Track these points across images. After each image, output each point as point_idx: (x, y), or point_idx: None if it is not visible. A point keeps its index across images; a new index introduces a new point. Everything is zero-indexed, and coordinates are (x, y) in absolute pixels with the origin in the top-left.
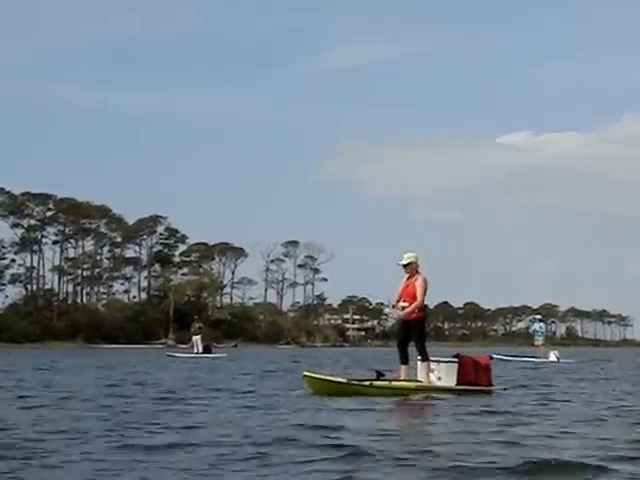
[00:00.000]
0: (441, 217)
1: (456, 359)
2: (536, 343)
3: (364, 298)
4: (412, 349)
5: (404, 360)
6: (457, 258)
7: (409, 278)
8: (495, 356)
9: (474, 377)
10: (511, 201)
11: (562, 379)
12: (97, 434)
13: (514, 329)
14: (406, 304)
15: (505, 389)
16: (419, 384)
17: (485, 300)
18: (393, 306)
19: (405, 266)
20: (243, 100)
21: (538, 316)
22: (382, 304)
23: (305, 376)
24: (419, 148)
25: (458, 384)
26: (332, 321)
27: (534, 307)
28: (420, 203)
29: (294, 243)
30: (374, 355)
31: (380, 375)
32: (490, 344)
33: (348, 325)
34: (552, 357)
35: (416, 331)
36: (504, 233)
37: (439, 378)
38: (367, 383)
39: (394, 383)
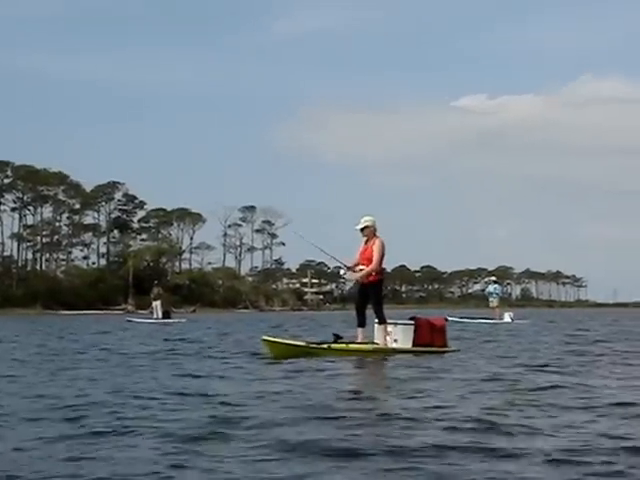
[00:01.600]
0: (398, 182)
1: (412, 321)
2: (491, 305)
3: (322, 262)
4: (370, 312)
5: (361, 323)
6: (414, 223)
7: (367, 242)
8: (450, 318)
9: (430, 338)
10: (467, 166)
11: (507, 341)
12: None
13: (470, 291)
14: (364, 267)
15: (458, 350)
16: (376, 346)
17: (442, 263)
18: (348, 268)
19: (362, 230)
20: (198, 65)
21: (493, 278)
22: (340, 267)
23: (264, 340)
24: (375, 113)
25: (414, 345)
26: (290, 285)
27: (490, 269)
28: (377, 169)
29: (251, 208)
30: (332, 318)
31: (338, 338)
32: (447, 306)
33: (306, 289)
34: (507, 318)
35: (373, 294)
36: (461, 198)
37: (395, 340)
38: (325, 346)
39: (351, 345)
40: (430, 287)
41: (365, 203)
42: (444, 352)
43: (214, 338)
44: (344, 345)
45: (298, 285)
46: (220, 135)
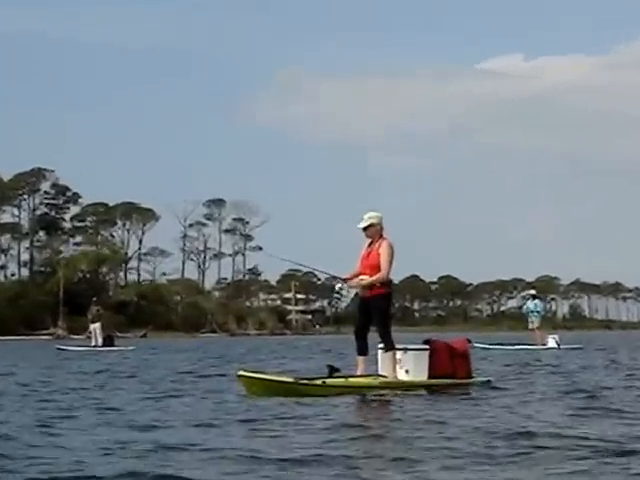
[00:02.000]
0: (404, 167)
1: (427, 346)
2: (531, 326)
3: (310, 272)
4: (374, 335)
5: (363, 350)
6: (428, 219)
7: (371, 244)
8: (477, 345)
9: (450, 367)
10: (495, 145)
11: (550, 376)
12: None
13: (503, 309)
14: (366, 277)
15: (487, 381)
16: (383, 380)
17: (465, 273)
18: (344, 280)
19: (365, 229)
20: (149, 25)
21: (532, 291)
22: (334, 278)
23: (241, 376)
24: (374, 80)
25: (430, 377)
26: (269, 302)
27: (528, 280)
28: (377, 150)
29: (219, 202)
30: (324, 344)
31: (334, 370)
32: (472, 328)
33: (290, 307)
34: (551, 343)
35: (378, 312)
36: (487, 186)
37: (407, 371)
38: (319, 382)
39: (351, 380)
40: (451, 304)
41: (364, 194)
42: (469, 384)
43: (165, 371)
44: (342, 380)
45: (279, 302)
46: (179, 110)
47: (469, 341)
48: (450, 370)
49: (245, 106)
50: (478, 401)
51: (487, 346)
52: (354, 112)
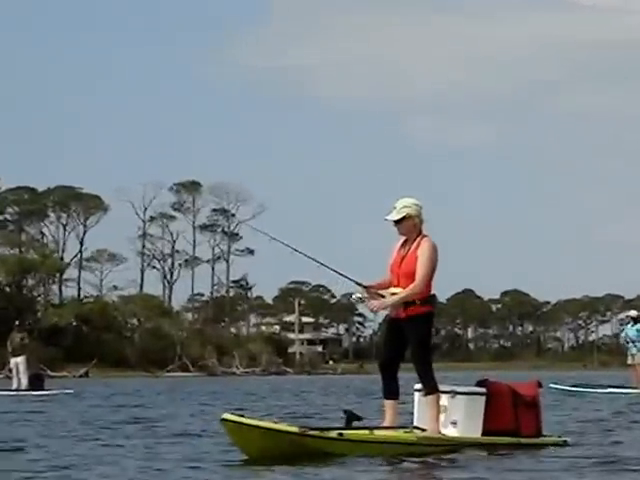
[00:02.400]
0: (460, 138)
1: (482, 389)
2: (630, 361)
3: (320, 285)
4: (407, 373)
5: (392, 392)
6: (489, 213)
7: (405, 244)
8: (552, 386)
9: (513, 420)
10: (584, 107)
11: None
12: None
13: (592, 338)
14: (399, 290)
15: (565, 441)
16: (421, 434)
17: (539, 287)
18: (367, 288)
19: (399, 223)
20: None
21: (634, 312)
22: (354, 293)
23: (225, 420)
24: (409, 15)
25: (485, 433)
26: (264, 327)
27: (627, 297)
28: (414, 113)
29: (192, 186)
30: (341, 386)
31: (353, 419)
32: (549, 365)
33: (292, 335)
34: None
35: (415, 340)
36: (571, 166)
37: (454, 423)
38: (334, 434)
39: (377, 433)
40: (519, 330)
41: (398, 174)
42: (536, 445)
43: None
44: (366, 432)
45: (277, 327)
46: (138, 54)
47: (540, 385)
48: (513, 424)
49: (227, 53)
50: (547, 471)
51: (567, 388)
52: (386, 61)
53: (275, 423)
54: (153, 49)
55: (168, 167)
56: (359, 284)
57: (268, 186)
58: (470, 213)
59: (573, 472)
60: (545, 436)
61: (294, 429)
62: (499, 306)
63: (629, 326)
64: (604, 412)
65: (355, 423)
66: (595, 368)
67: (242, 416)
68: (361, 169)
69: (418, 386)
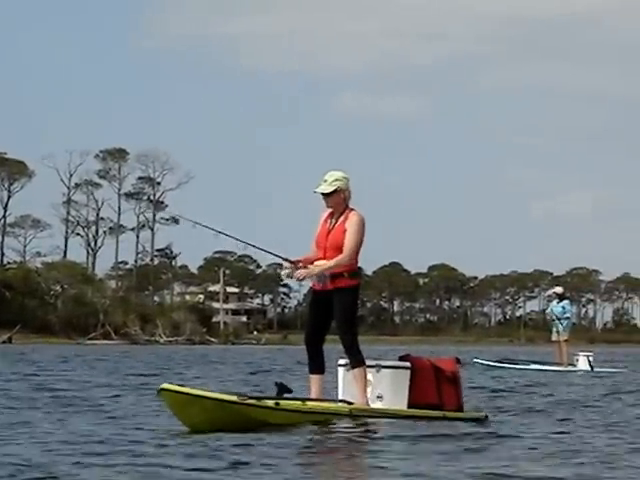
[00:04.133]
0: (389, 109)
1: (406, 363)
2: (554, 337)
3: (246, 255)
4: (333, 346)
5: (317, 365)
6: (416, 184)
7: (333, 217)
8: (477, 361)
9: (436, 394)
10: (517, 77)
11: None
12: None
13: (519, 313)
14: (324, 262)
15: (485, 417)
16: (352, 406)
17: (467, 262)
18: (293, 263)
19: (329, 196)
20: None
21: (559, 289)
22: (282, 261)
23: (164, 390)
24: None
25: (410, 406)
26: (188, 297)
27: (556, 274)
28: (350, 84)
29: (119, 154)
30: (265, 357)
31: (284, 390)
32: (476, 340)
33: (217, 304)
34: (581, 363)
35: (341, 312)
36: (501, 136)
37: (379, 397)
38: (270, 403)
39: (310, 404)
40: (446, 305)
41: (325, 149)
42: (458, 419)
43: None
44: (299, 403)
45: (202, 297)
46: (65, 26)
47: (458, 361)
48: (436, 399)
49: (149, 23)
50: (470, 450)
51: (491, 363)
52: (319, 30)
53: (211, 391)
54: (82, 18)
55: (95, 134)
56: (286, 260)
57: (194, 155)
58: (399, 185)
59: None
60: (466, 411)
61: (233, 398)
62: (426, 280)
63: (555, 302)
64: (526, 387)
65: (287, 395)
66: (522, 344)
67: (182, 385)
68: (288, 139)
69: (342, 361)
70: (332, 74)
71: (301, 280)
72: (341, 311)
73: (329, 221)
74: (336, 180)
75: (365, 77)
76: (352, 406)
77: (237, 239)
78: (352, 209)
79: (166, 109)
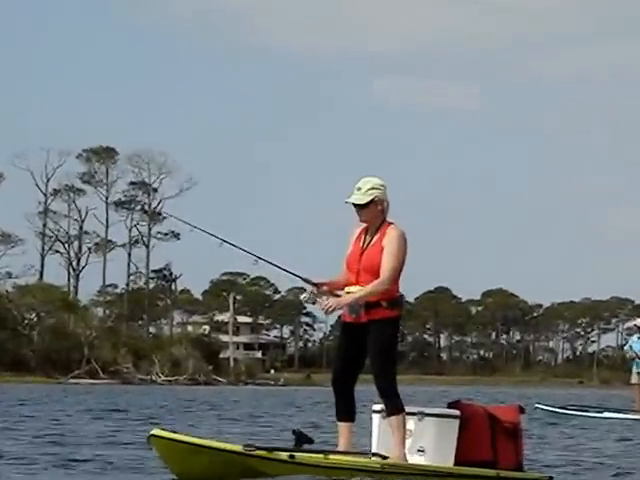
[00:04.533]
0: (434, 98)
1: (455, 411)
2: (634, 380)
3: (261, 278)
4: (366, 388)
5: (347, 411)
6: (467, 194)
7: (367, 233)
8: (539, 407)
9: (490, 450)
10: (593, 59)
11: None
12: None
13: (592, 349)
14: (356, 289)
15: (549, 478)
16: (384, 461)
17: (527, 287)
18: (318, 286)
19: (363, 207)
20: None
21: None
22: (302, 289)
23: (156, 438)
24: None
25: (457, 464)
26: (191, 328)
27: (637, 302)
28: (385, 69)
29: (107, 154)
30: (285, 401)
31: (303, 440)
32: (540, 381)
33: (225, 337)
34: None
35: (379, 347)
36: (571, 135)
37: (421, 450)
38: (284, 455)
39: (333, 457)
40: (503, 338)
41: (359, 149)
42: None
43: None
44: (320, 456)
45: (207, 328)
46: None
47: (522, 410)
48: (490, 455)
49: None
50: None
51: (555, 410)
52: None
53: (212, 440)
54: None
55: (77, 130)
56: (308, 282)
57: (198, 156)
58: (445, 193)
59: None
60: (525, 471)
61: (237, 448)
62: (480, 309)
63: (635, 337)
64: (603, 441)
65: (305, 446)
66: (594, 386)
67: (174, 432)
68: (312, 137)
69: (377, 407)
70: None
71: (329, 312)
72: (377, 347)
73: (363, 238)
74: (373, 188)
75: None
76: (385, 461)
77: (247, 251)
78: (390, 223)
79: (164, 100)
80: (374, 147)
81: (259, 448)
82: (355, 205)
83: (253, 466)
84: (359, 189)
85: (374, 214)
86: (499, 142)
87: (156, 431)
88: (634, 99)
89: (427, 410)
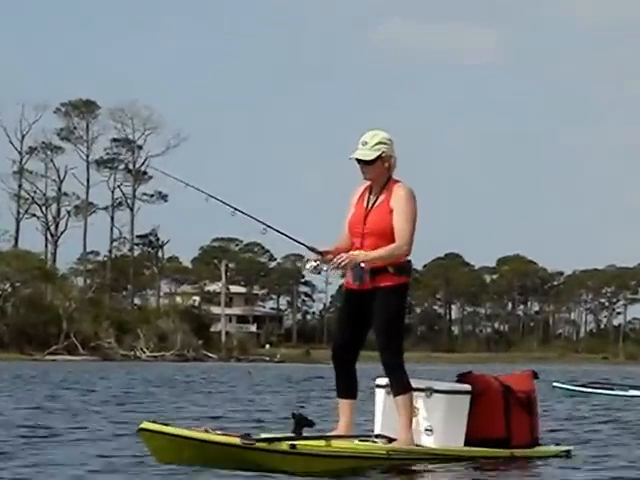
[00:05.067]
0: (448, 45)
1: (466, 386)
2: None
3: (255, 243)
4: (369, 362)
5: (348, 388)
6: (480, 147)
7: (372, 193)
8: (557, 386)
9: (502, 426)
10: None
11: None
12: None
13: (617, 322)
14: (362, 254)
15: (568, 452)
16: (390, 446)
17: (547, 253)
18: (322, 254)
19: (369, 164)
20: None
21: None
22: (300, 257)
23: (143, 430)
24: None
25: (468, 442)
26: (179, 299)
27: None
28: (395, 13)
29: (88, 108)
30: (281, 379)
31: (304, 423)
32: (560, 356)
33: (217, 309)
34: None
35: (385, 318)
36: (596, 83)
37: (429, 430)
38: (285, 445)
39: (336, 443)
40: (520, 309)
41: (353, 101)
42: (531, 458)
43: None
44: (322, 443)
45: (197, 299)
46: None
47: (536, 376)
48: (502, 431)
49: None
50: None
51: (575, 388)
52: None
53: (207, 432)
54: None
55: (55, 82)
56: (314, 250)
57: (186, 110)
58: (459, 150)
59: None
60: (542, 445)
61: (235, 441)
62: (495, 277)
63: None
64: (624, 418)
65: (306, 430)
66: (620, 362)
67: (166, 424)
68: (307, 88)
69: (382, 381)
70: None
71: (339, 267)
72: (383, 318)
73: (366, 198)
74: (380, 143)
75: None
76: (390, 446)
77: (256, 219)
78: (397, 181)
79: (149, 51)
80: (376, 99)
81: (258, 440)
82: (360, 161)
83: (253, 460)
84: (365, 144)
85: (380, 171)
86: (516, 96)
87: (146, 424)
88: None
89: (436, 386)
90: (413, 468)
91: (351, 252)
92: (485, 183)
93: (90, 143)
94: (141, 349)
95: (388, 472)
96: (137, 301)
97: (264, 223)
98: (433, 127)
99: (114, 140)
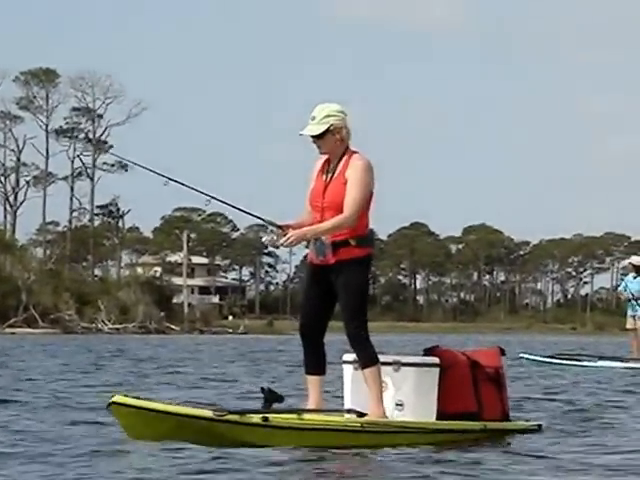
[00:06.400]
0: (407, 13)
1: (434, 359)
2: (630, 325)
3: (218, 214)
4: (335, 335)
5: (316, 363)
6: (444, 113)
7: (328, 167)
8: (524, 356)
9: (473, 399)
10: None
11: None
12: None
13: (584, 291)
14: (311, 229)
15: (539, 426)
16: (363, 419)
17: (513, 222)
18: (281, 228)
19: (319, 138)
20: None
21: (636, 259)
22: (263, 227)
23: (116, 405)
24: None
25: (440, 416)
26: (140, 270)
27: (634, 238)
28: None
29: (47, 76)
30: (242, 351)
31: (273, 398)
32: (527, 327)
33: (179, 280)
34: None
35: (348, 292)
36: (562, 50)
37: (399, 404)
38: (257, 418)
39: (308, 417)
40: (486, 279)
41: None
42: (502, 432)
43: None
44: (294, 417)
45: (159, 270)
46: None
47: (502, 352)
48: (473, 405)
49: None
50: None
51: (542, 359)
52: None
53: (179, 405)
54: None
55: (13, 50)
56: (272, 224)
57: (147, 78)
58: (422, 118)
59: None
60: (512, 421)
61: (208, 414)
62: (460, 246)
63: (631, 277)
64: (594, 389)
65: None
66: (588, 332)
67: (138, 398)
68: (270, 55)
69: (349, 356)
70: None
71: (289, 246)
72: (346, 292)
73: (325, 171)
74: (328, 116)
75: None
76: (365, 419)
77: (196, 189)
78: (354, 152)
79: (109, 18)
80: (339, 71)
81: (230, 412)
82: (311, 137)
83: (225, 433)
84: (313, 118)
85: (333, 144)
86: (482, 63)
87: (117, 397)
88: None
89: (404, 359)
90: (386, 441)
91: (310, 226)
92: (451, 152)
93: (50, 112)
94: (102, 321)
95: (360, 446)
96: (98, 272)
97: (207, 194)
98: (399, 97)
99: (74, 109)
